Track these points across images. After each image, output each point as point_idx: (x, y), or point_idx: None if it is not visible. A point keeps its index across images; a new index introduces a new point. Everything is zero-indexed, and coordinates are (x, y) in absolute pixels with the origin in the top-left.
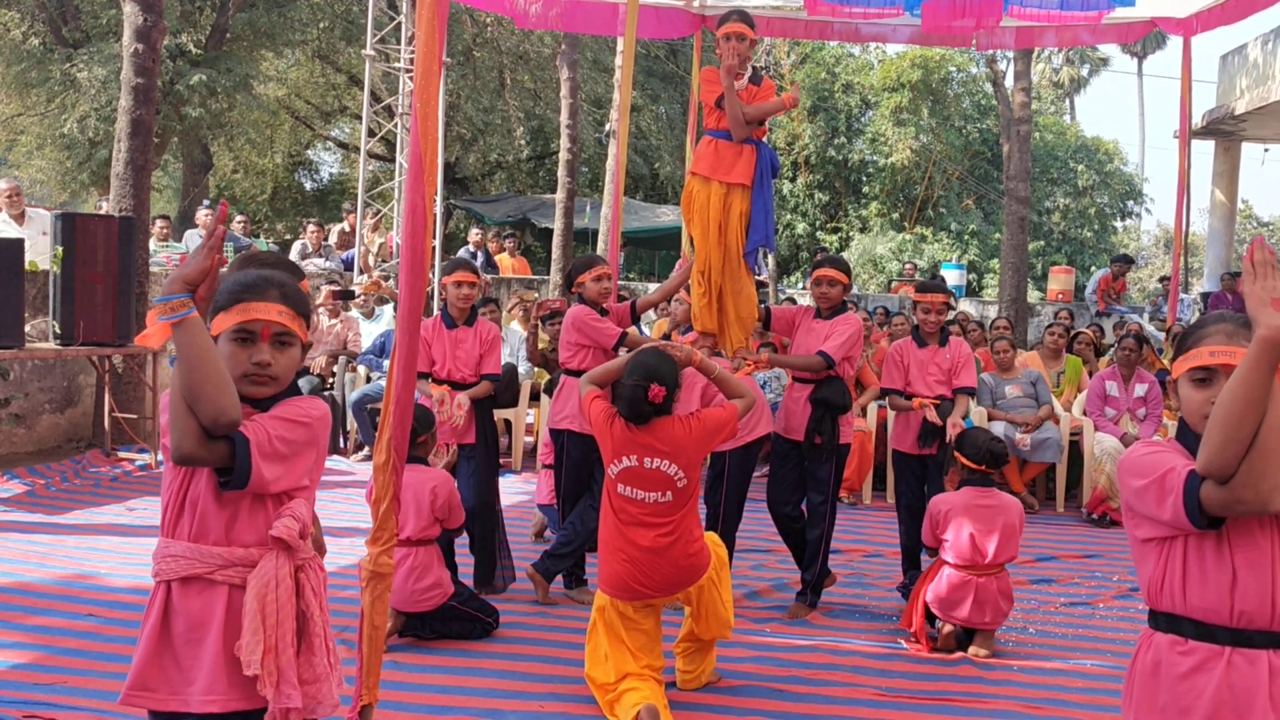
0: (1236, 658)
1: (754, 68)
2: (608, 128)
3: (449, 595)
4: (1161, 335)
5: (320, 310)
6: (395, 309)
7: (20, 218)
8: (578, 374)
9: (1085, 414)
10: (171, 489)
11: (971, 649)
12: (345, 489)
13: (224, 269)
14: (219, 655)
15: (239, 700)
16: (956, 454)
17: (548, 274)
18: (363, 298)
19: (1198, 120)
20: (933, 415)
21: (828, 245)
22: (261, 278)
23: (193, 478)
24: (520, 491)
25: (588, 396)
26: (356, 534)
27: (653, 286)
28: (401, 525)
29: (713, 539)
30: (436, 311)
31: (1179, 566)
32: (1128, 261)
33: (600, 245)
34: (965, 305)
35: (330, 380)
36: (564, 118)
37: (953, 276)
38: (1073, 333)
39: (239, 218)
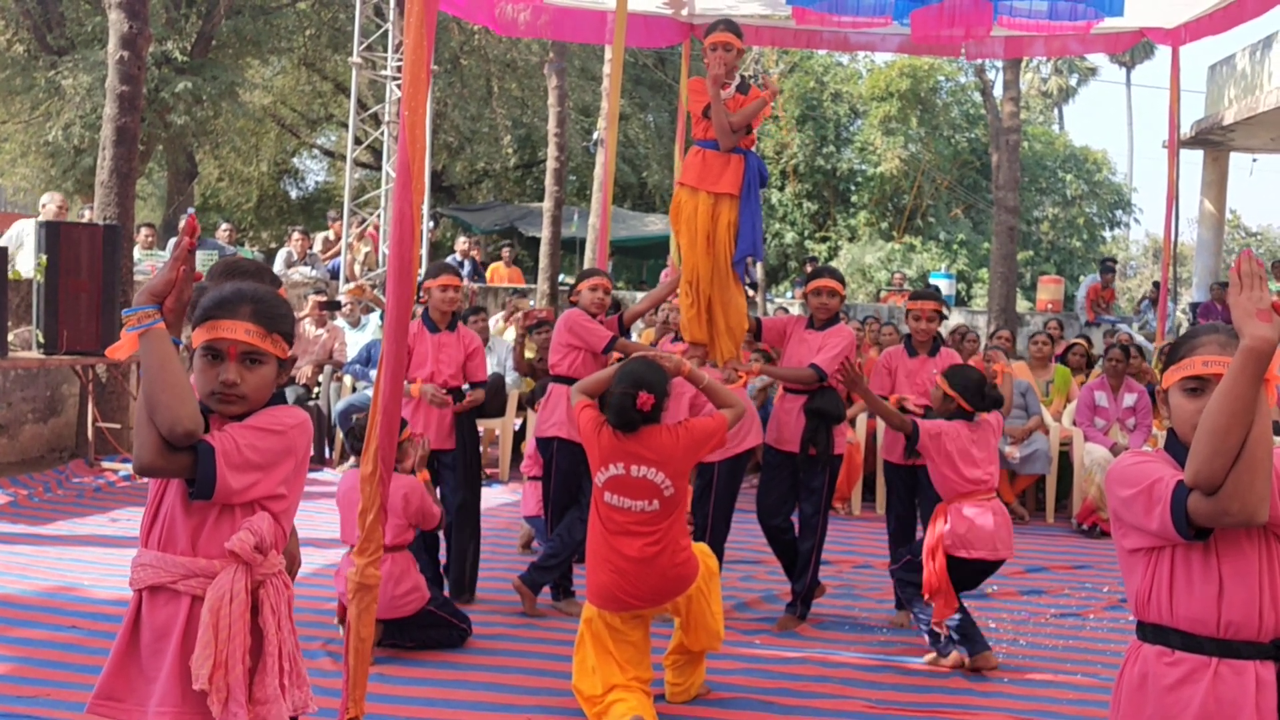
0: (1223, 669)
1: (742, 77)
2: (595, 136)
3: (426, 600)
4: (1150, 345)
5: (306, 320)
6: (381, 317)
7: None
8: (566, 380)
9: (1075, 424)
10: (148, 497)
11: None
12: (330, 499)
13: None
14: (175, 667)
15: (190, 714)
16: (944, 386)
17: (535, 283)
18: (348, 305)
19: (1186, 130)
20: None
21: (816, 255)
22: (237, 293)
23: (167, 487)
24: (506, 503)
25: (578, 405)
26: (339, 544)
27: (641, 295)
28: None
29: (703, 550)
30: (418, 315)
31: (1166, 577)
32: (1110, 267)
33: (588, 254)
34: (954, 315)
35: (316, 390)
36: (551, 126)
37: (942, 286)
38: (1068, 344)
39: (224, 226)
